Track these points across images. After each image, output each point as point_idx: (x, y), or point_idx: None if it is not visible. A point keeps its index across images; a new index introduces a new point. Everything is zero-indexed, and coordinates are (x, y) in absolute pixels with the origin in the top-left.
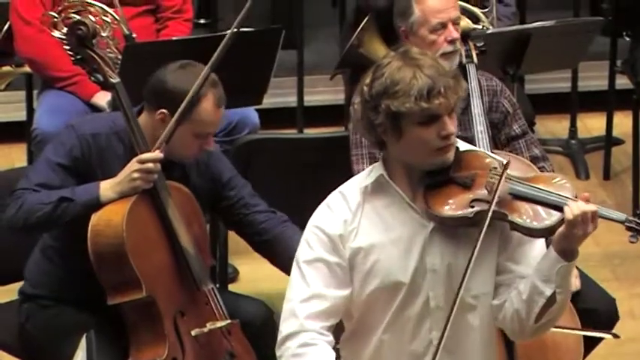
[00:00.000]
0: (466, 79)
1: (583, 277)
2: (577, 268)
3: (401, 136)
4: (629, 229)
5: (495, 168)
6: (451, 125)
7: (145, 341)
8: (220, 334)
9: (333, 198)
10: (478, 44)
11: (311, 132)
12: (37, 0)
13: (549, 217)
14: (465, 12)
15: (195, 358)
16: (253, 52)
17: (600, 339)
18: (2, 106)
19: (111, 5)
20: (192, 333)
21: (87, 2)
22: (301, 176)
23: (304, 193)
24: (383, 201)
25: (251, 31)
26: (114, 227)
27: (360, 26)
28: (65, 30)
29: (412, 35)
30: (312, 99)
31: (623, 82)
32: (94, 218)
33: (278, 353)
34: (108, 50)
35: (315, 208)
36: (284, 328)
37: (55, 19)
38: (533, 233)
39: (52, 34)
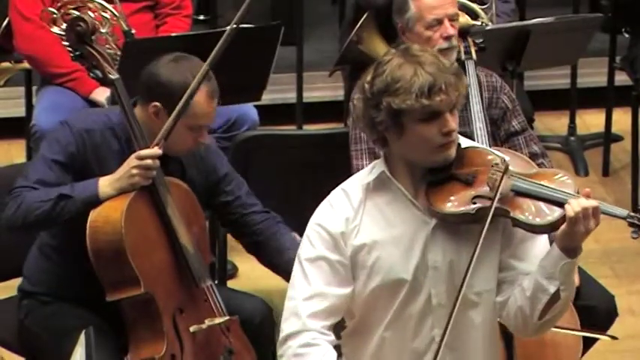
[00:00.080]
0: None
1: (582, 274)
2: None
3: (402, 134)
4: (631, 225)
5: (497, 164)
6: (453, 122)
7: (143, 338)
8: (219, 330)
9: (335, 195)
10: (477, 41)
11: (310, 128)
12: None
13: (551, 214)
14: (464, 8)
15: (193, 355)
16: (253, 49)
17: None
18: (1, 102)
19: (110, 1)
20: (191, 330)
21: None
22: (300, 173)
23: (303, 190)
24: (385, 198)
25: (250, 27)
26: (112, 224)
27: (359, 23)
28: (64, 26)
29: (408, 31)
30: (311, 95)
31: (622, 78)
32: (93, 215)
33: (279, 352)
34: (107, 46)
35: (314, 205)
36: (286, 327)
37: (55, 16)
38: (535, 230)
39: (52, 30)
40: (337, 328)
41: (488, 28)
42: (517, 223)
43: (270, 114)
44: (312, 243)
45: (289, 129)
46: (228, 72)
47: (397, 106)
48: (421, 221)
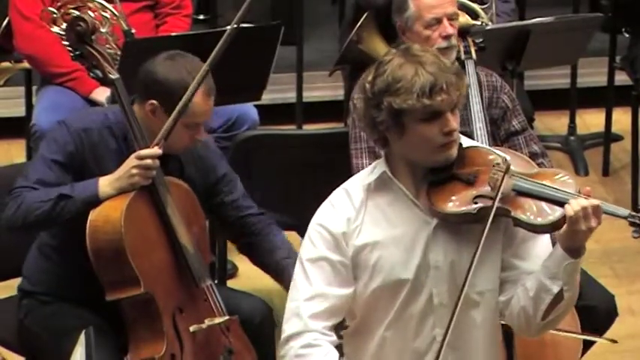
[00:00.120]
0: None
1: (582, 274)
2: None
3: (403, 134)
4: (632, 224)
5: (498, 164)
6: (454, 122)
7: (143, 338)
8: (219, 330)
9: (337, 195)
10: (477, 40)
11: (310, 128)
12: None
13: (552, 213)
14: (464, 8)
15: (193, 355)
16: (253, 49)
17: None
18: (1, 102)
19: (110, 1)
20: (191, 329)
21: None
22: (300, 173)
23: (303, 190)
24: (386, 198)
25: (251, 27)
26: (112, 223)
27: (359, 23)
28: (64, 26)
29: (408, 30)
30: (311, 95)
31: (622, 78)
32: (93, 214)
33: (281, 353)
34: (107, 46)
35: (314, 205)
36: (287, 328)
37: (55, 15)
38: (536, 229)
39: (52, 30)
40: (338, 328)
41: (488, 27)
42: (518, 222)
43: (270, 114)
44: (313, 243)
45: (289, 129)
46: (229, 72)
47: (398, 105)
48: (422, 221)
